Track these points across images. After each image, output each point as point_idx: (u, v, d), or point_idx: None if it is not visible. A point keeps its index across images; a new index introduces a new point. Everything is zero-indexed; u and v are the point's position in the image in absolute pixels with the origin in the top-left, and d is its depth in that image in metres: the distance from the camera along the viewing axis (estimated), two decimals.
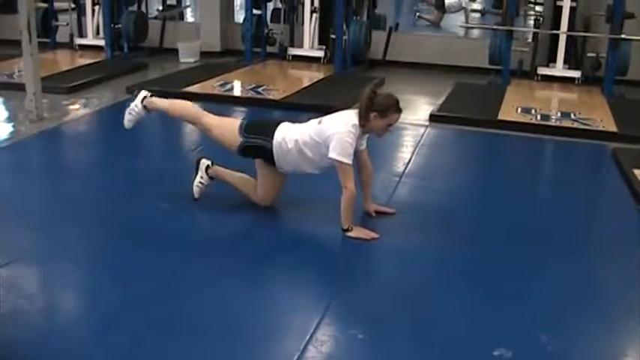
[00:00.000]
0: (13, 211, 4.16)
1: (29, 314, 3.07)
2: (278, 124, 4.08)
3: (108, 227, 3.99)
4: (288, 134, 4.00)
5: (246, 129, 4.09)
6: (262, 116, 5.97)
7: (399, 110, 3.91)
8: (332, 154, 3.83)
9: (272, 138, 3.99)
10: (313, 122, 4.01)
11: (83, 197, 4.42)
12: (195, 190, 4.27)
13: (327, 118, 3.96)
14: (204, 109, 4.32)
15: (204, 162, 4.29)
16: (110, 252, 3.70)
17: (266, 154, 4.04)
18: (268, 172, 4.14)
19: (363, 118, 3.85)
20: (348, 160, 3.83)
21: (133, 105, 4.36)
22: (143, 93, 4.40)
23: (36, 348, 2.82)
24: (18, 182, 4.76)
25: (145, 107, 4.33)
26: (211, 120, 4.24)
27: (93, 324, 3.03)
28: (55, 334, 2.96)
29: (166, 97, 4.45)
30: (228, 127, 4.17)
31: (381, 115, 3.85)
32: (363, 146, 4.05)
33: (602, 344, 3.03)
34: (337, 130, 3.83)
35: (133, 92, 4.29)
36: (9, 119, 6.38)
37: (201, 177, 4.27)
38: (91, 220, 4.08)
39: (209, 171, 4.27)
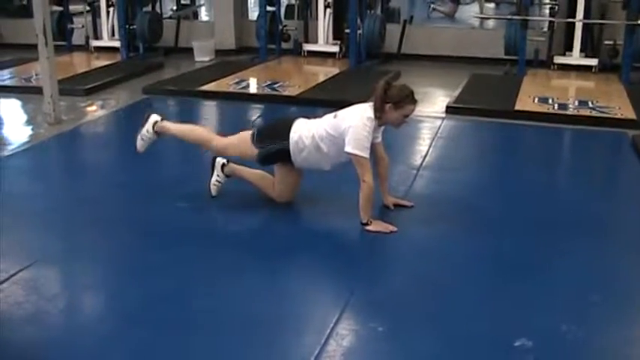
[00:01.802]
0: (34, 213, 4.20)
1: (51, 315, 3.09)
2: (292, 122, 4.05)
3: (127, 227, 4.01)
4: (305, 131, 3.99)
5: (258, 138, 4.07)
6: (278, 113, 5.99)
7: (414, 101, 3.89)
8: (348, 148, 3.82)
9: (288, 138, 3.98)
10: (329, 117, 4.00)
11: (102, 198, 4.44)
12: (213, 188, 4.28)
13: (343, 112, 3.95)
14: (217, 132, 4.32)
15: (220, 160, 4.29)
16: (129, 252, 3.73)
17: (284, 155, 4.03)
18: (286, 169, 4.13)
19: (378, 111, 3.84)
20: (365, 154, 3.82)
21: (144, 130, 4.37)
22: (154, 117, 4.39)
23: (58, 348, 2.84)
24: (37, 184, 4.80)
25: (156, 132, 4.35)
26: (222, 141, 4.23)
27: (113, 323, 3.05)
28: (77, 334, 2.98)
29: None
30: (242, 142, 4.14)
31: (396, 106, 3.83)
32: (379, 139, 4.04)
33: (622, 333, 3.00)
34: (353, 124, 3.83)
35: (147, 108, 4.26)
36: (28, 122, 6.44)
37: (218, 175, 4.27)
38: (110, 220, 4.10)
39: (225, 169, 4.27)
